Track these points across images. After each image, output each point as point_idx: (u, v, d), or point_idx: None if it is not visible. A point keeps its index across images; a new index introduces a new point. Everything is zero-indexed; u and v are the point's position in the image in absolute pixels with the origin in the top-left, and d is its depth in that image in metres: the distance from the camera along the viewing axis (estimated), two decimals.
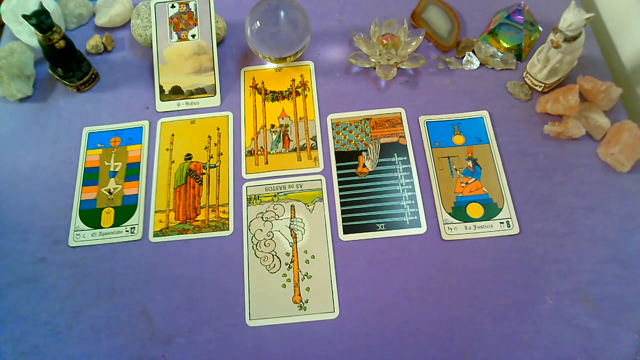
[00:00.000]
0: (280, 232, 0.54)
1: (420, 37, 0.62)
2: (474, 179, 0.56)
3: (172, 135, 0.61)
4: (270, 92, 0.63)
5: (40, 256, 0.54)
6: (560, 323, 0.48)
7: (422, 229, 0.54)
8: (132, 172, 0.58)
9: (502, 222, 0.53)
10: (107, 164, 0.59)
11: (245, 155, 0.59)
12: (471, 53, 0.64)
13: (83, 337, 0.50)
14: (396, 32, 0.62)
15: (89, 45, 0.67)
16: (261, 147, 0.59)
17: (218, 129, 0.61)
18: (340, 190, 0.56)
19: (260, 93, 0.63)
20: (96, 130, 0.61)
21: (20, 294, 0.52)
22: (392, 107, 0.61)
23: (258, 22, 0.59)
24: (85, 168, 0.59)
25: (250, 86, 0.64)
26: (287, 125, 0.61)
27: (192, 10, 0.64)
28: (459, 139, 0.58)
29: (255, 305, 0.51)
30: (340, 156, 0.58)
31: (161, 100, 0.63)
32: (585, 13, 0.51)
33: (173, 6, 0.64)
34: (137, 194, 0.57)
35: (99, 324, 0.50)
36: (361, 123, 0.60)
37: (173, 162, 0.59)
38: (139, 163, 0.59)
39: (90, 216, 0.56)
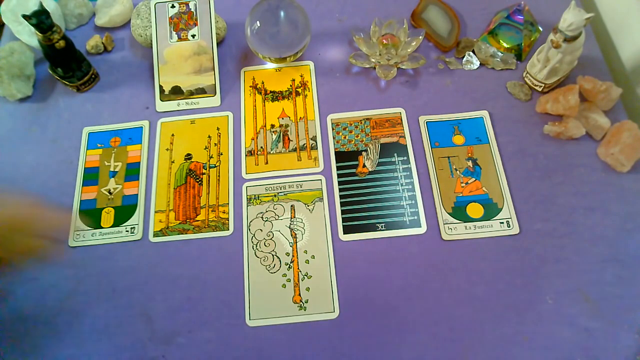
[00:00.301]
0: (280, 232, 0.54)
1: (420, 37, 0.62)
2: (474, 179, 0.56)
3: (172, 135, 0.61)
4: (270, 92, 0.63)
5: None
6: (560, 323, 0.48)
7: (422, 229, 0.54)
8: (132, 172, 0.58)
9: (502, 222, 0.53)
10: (107, 164, 0.59)
11: (245, 155, 0.59)
12: (471, 53, 0.64)
13: (83, 337, 0.50)
14: (396, 32, 0.62)
15: (89, 45, 0.67)
16: (261, 147, 0.59)
17: (218, 129, 0.61)
18: (340, 190, 0.56)
19: (260, 93, 0.63)
20: (96, 130, 0.61)
21: (20, 294, 0.52)
22: (392, 107, 0.61)
23: (258, 22, 0.59)
24: (85, 168, 0.59)
25: (250, 86, 0.64)
26: (287, 125, 0.61)
27: (192, 10, 0.64)
28: (459, 139, 0.58)
29: (255, 305, 0.51)
30: (340, 156, 0.58)
31: (161, 100, 0.63)
32: (585, 13, 0.51)
33: (173, 6, 0.64)
34: (137, 194, 0.57)
35: (99, 324, 0.50)
36: (361, 123, 0.60)
37: (173, 162, 0.59)
38: (139, 163, 0.59)
39: (91, 216, 0.56)
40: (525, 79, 0.61)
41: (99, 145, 0.60)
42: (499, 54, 0.63)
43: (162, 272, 0.53)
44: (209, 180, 0.58)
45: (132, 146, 0.60)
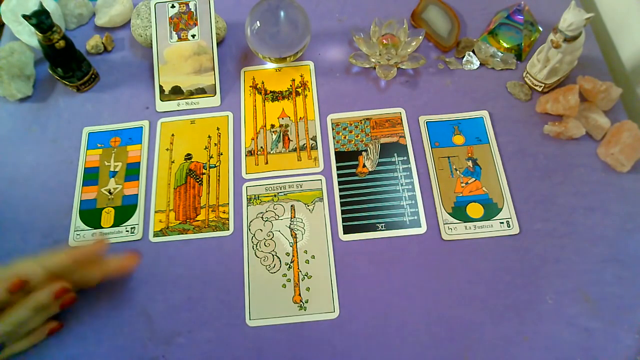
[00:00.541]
0: (280, 232, 0.54)
1: (420, 37, 0.62)
2: (474, 179, 0.56)
3: (172, 135, 0.61)
4: (270, 92, 0.63)
5: None
6: (560, 323, 0.48)
7: (422, 229, 0.54)
8: (132, 172, 0.58)
9: (502, 222, 0.53)
10: (107, 164, 0.59)
11: (245, 155, 0.59)
12: (471, 53, 0.64)
13: (83, 337, 0.50)
14: (396, 32, 0.62)
15: (89, 45, 0.67)
16: (261, 147, 0.59)
17: (218, 129, 0.61)
18: (340, 190, 0.56)
19: (260, 93, 0.63)
20: (96, 130, 0.61)
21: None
22: (392, 107, 0.61)
23: (258, 22, 0.59)
24: (85, 168, 0.59)
25: (250, 86, 0.64)
26: (287, 125, 0.61)
27: (192, 10, 0.64)
28: (459, 139, 0.58)
29: (255, 305, 0.51)
30: (340, 156, 0.58)
31: (161, 100, 0.63)
32: (585, 13, 0.51)
33: (173, 6, 0.64)
34: (137, 194, 0.57)
35: (99, 324, 0.50)
36: (361, 123, 0.60)
37: (173, 162, 0.59)
38: (139, 163, 0.59)
39: (91, 216, 0.56)
40: (525, 79, 0.61)
41: (99, 145, 0.60)
42: (499, 54, 0.63)
43: (162, 272, 0.53)
44: (209, 180, 0.58)
45: (132, 146, 0.60)
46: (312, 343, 0.49)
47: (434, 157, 0.57)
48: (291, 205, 0.56)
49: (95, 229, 0.55)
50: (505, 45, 0.63)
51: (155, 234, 0.55)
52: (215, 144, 0.60)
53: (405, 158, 0.58)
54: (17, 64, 0.62)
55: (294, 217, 0.55)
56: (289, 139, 0.60)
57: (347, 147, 0.59)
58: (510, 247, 0.52)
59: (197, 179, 0.58)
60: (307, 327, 0.50)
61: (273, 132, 0.60)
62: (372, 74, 0.64)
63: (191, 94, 0.63)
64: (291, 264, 0.52)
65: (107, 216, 0.56)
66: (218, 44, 0.65)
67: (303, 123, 0.61)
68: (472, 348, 0.48)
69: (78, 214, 0.56)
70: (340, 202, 0.55)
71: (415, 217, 0.54)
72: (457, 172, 0.56)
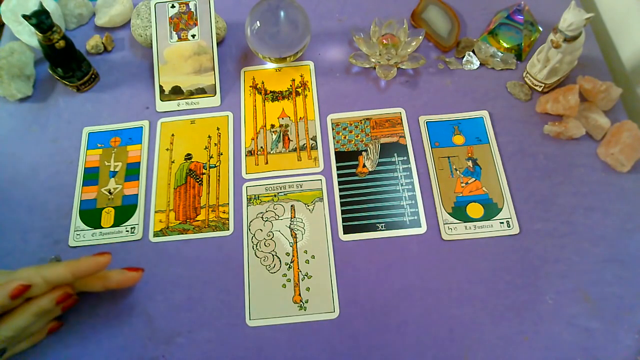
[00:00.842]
0: (280, 232, 0.54)
1: (420, 37, 0.62)
2: (474, 179, 0.56)
3: (172, 135, 0.61)
4: (270, 92, 0.63)
5: (40, 256, 0.54)
6: (560, 323, 0.48)
7: (422, 229, 0.54)
8: (132, 172, 0.58)
9: (502, 222, 0.53)
10: (107, 164, 0.59)
11: (245, 155, 0.59)
12: (471, 53, 0.64)
13: (83, 337, 0.50)
14: (396, 32, 0.62)
15: (89, 45, 0.67)
16: (261, 147, 0.59)
17: (218, 129, 0.61)
18: (340, 190, 0.56)
19: (260, 93, 0.63)
20: (96, 130, 0.61)
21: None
22: (392, 107, 0.61)
23: (258, 22, 0.59)
24: (85, 168, 0.59)
25: (250, 86, 0.64)
26: (287, 125, 0.61)
27: (192, 10, 0.64)
28: (459, 139, 0.58)
29: (255, 305, 0.51)
30: (340, 156, 0.58)
31: (161, 100, 0.63)
32: (585, 13, 0.51)
33: (173, 6, 0.64)
34: (137, 194, 0.57)
35: (99, 324, 0.50)
36: (361, 123, 0.60)
37: (173, 162, 0.59)
38: (139, 163, 0.59)
39: (91, 216, 0.56)
40: (525, 79, 0.61)
41: (99, 145, 0.60)
42: (499, 54, 0.63)
43: (162, 272, 0.53)
44: (209, 180, 0.58)
45: (132, 146, 0.60)
46: (312, 343, 0.49)
47: (434, 157, 0.57)
48: (291, 205, 0.56)
49: (95, 229, 0.55)
50: (505, 45, 0.63)
51: (155, 234, 0.55)
52: (215, 144, 0.60)
53: (405, 158, 0.58)
54: (17, 64, 0.62)
55: (294, 217, 0.55)
56: (289, 139, 0.60)
57: (347, 147, 0.59)
58: (510, 247, 0.52)
59: (197, 179, 0.58)
60: (307, 327, 0.50)
61: (273, 132, 0.60)
62: (372, 74, 0.64)
63: (191, 94, 0.63)
64: (291, 264, 0.52)
65: (107, 216, 0.56)
66: (218, 44, 0.65)
67: (303, 123, 0.61)
68: (472, 348, 0.48)
69: (78, 214, 0.56)
70: (340, 202, 0.55)
71: (415, 217, 0.54)
72: (457, 172, 0.56)
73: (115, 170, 0.59)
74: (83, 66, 0.63)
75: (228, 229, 0.55)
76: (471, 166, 0.57)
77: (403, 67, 0.62)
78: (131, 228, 0.55)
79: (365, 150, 0.58)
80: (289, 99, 0.63)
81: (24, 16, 0.54)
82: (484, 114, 0.60)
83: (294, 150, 0.59)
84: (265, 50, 0.61)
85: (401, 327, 0.49)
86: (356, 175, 0.57)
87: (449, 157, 0.57)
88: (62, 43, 0.58)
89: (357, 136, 0.59)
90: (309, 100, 0.62)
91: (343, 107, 0.61)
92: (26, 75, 0.63)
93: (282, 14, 0.59)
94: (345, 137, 0.59)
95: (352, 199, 0.56)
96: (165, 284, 0.52)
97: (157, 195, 0.57)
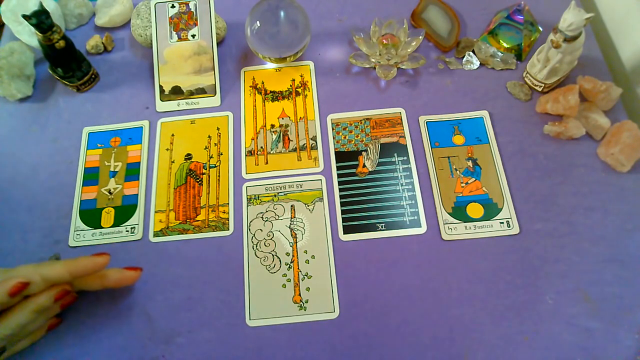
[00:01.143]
0: (280, 232, 0.54)
1: (420, 37, 0.62)
2: (474, 179, 0.56)
3: (172, 135, 0.61)
4: (270, 92, 0.63)
5: (40, 256, 0.54)
6: (560, 323, 0.48)
7: (422, 229, 0.54)
8: (132, 172, 0.58)
9: (502, 222, 0.53)
10: (107, 164, 0.59)
11: (245, 155, 0.59)
12: (471, 53, 0.64)
13: (83, 337, 0.50)
14: (396, 32, 0.62)
15: (89, 45, 0.67)
16: (261, 147, 0.59)
17: (218, 129, 0.61)
18: (340, 190, 0.56)
19: (260, 93, 0.63)
20: (96, 130, 0.61)
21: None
22: (392, 107, 0.61)
23: (258, 22, 0.59)
24: (85, 168, 0.59)
25: (250, 86, 0.64)
26: (287, 125, 0.61)
27: (192, 10, 0.64)
28: (459, 139, 0.58)
29: (255, 305, 0.51)
30: (340, 156, 0.58)
31: (161, 100, 0.63)
32: (585, 13, 0.51)
33: (173, 6, 0.64)
34: (137, 194, 0.57)
35: (98, 324, 0.50)
36: (361, 123, 0.60)
37: (173, 162, 0.59)
38: (139, 163, 0.59)
39: (91, 216, 0.56)
40: (525, 79, 0.61)
41: (99, 145, 0.60)
42: (499, 54, 0.63)
43: (162, 272, 0.53)
44: (209, 180, 0.58)
45: (132, 146, 0.60)
46: (312, 343, 0.49)
47: (434, 157, 0.57)
48: (291, 205, 0.56)
49: (95, 229, 0.55)
50: (505, 45, 0.63)
51: (155, 234, 0.55)
52: (215, 144, 0.60)
53: (405, 158, 0.58)
54: (17, 64, 0.62)
55: (294, 217, 0.55)
56: (289, 139, 0.60)
57: (347, 147, 0.59)
58: (510, 247, 0.52)
59: (197, 179, 0.58)
60: (307, 327, 0.50)
61: (273, 132, 0.60)
62: (372, 74, 0.64)
63: (191, 94, 0.63)
64: (291, 264, 0.52)
65: (107, 216, 0.56)
66: (218, 44, 0.65)
67: (303, 123, 0.61)
68: (472, 348, 0.48)
69: (78, 214, 0.56)
70: (340, 202, 0.55)
71: (415, 217, 0.54)
72: (457, 172, 0.56)
73: (115, 170, 0.59)
74: (83, 66, 0.63)
75: (228, 229, 0.55)
76: (471, 166, 0.57)
77: (403, 67, 0.62)
78: (131, 228, 0.55)
79: (365, 150, 0.58)
80: (289, 99, 0.63)
81: (24, 16, 0.54)
82: (484, 114, 0.60)
83: (294, 150, 0.59)
84: (265, 50, 0.61)
85: (401, 327, 0.49)
86: (356, 175, 0.57)
87: (449, 157, 0.57)
88: (62, 43, 0.58)
89: (357, 136, 0.59)
90: (309, 100, 0.62)
91: (343, 107, 0.61)
92: (26, 75, 0.63)
93: (282, 14, 0.59)
94: (345, 137, 0.59)
95: (352, 199, 0.56)
96: (165, 284, 0.52)
97: (157, 195, 0.57)
